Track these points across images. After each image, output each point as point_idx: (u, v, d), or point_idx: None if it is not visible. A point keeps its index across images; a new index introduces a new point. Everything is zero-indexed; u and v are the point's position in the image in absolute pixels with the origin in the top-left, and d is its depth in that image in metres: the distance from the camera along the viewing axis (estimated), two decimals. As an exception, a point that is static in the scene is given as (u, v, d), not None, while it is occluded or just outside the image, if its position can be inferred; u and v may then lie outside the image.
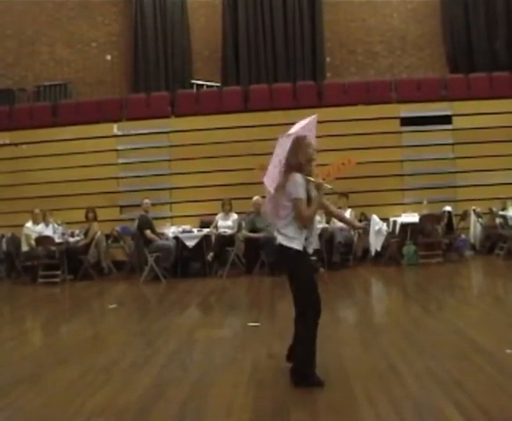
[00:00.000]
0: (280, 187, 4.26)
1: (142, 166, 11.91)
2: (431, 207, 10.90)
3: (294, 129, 4.45)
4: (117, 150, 12.08)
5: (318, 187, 4.30)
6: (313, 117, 4.59)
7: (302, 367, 4.30)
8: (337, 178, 11.29)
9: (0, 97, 13.40)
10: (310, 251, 4.37)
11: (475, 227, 11.18)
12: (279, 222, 4.37)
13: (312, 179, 4.32)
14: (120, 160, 12.06)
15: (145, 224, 10.18)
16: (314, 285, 4.32)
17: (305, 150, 4.29)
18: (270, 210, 4.48)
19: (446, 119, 11.74)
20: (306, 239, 4.29)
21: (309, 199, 4.27)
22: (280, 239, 4.32)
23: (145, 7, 13.85)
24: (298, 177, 4.21)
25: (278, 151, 4.33)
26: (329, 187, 4.36)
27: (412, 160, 11.67)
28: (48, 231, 10.76)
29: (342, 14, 14.08)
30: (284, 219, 4.30)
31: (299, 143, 4.28)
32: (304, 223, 4.25)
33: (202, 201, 11.45)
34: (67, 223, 11.17)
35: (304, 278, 4.31)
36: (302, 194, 4.21)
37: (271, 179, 4.27)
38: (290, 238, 4.26)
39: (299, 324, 4.35)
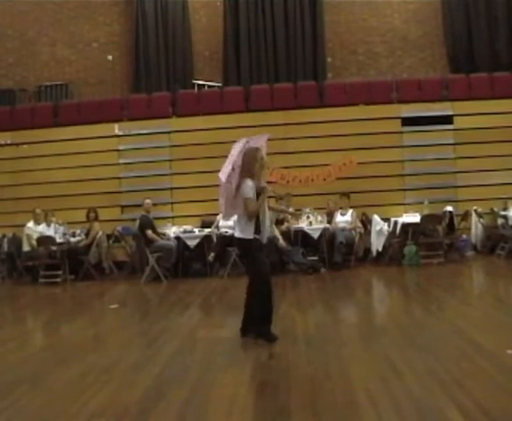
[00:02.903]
0: (237, 189, 5.40)
1: (143, 166, 11.92)
2: (432, 207, 10.90)
3: (251, 141, 5.58)
4: (118, 150, 12.10)
5: (262, 190, 5.48)
6: (265, 135, 5.90)
7: (262, 324, 5.48)
8: (339, 178, 11.62)
9: (1, 98, 13.41)
10: (264, 241, 5.56)
11: (476, 227, 11.16)
12: (236, 218, 5.61)
13: (264, 184, 5.55)
14: (121, 161, 12.07)
15: (147, 224, 10.19)
16: (264, 262, 5.55)
17: (259, 162, 5.49)
18: (225, 207, 5.53)
19: (447, 119, 11.74)
20: (259, 232, 5.46)
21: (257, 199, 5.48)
22: (236, 232, 5.60)
23: (147, 7, 13.85)
24: (249, 182, 5.43)
25: (233, 153, 5.49)
26: (270, 190, 5.72)
27: (413, 161, 11.67)
28: (50, 232, 10.76)
29: (343, 14, 14.08)
30: (239, 215, 5.52)
31: (254, 155, 5.47)
32: (250, 216, 5.42)
33: (204, 201, 11.42)
34: (69, 223, 11.16)
35: (256, 258, 5.49)
36: (250, 194, 5.41)
37: (225, 173, 5.37)
38: (243, 229, 5.47)
39: (254, 293, 5.52)
